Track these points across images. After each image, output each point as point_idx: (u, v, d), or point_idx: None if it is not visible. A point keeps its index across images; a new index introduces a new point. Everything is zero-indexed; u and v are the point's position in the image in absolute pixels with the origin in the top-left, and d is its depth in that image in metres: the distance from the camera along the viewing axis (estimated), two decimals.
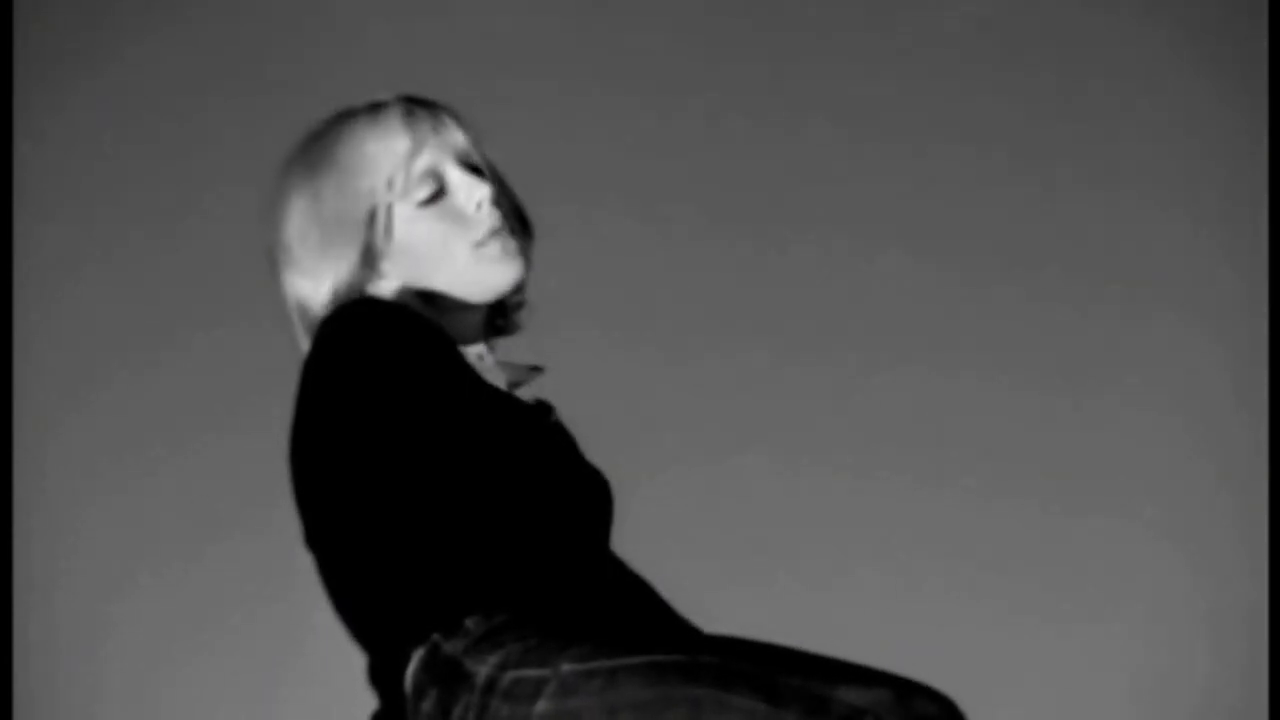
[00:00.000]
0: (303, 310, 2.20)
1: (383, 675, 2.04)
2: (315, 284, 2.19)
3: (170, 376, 3.85)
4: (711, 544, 3.84)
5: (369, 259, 2.19)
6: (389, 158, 2.19)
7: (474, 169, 2.21)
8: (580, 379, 2.41)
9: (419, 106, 2.22)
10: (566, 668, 1.92)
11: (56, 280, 3.84)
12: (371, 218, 2.19)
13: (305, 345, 2.18)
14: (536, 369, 2.27)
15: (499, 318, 2.29)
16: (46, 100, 3.84)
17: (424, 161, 2.20)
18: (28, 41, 3.75)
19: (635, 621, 2.06)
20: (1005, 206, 4.05)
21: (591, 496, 2.18)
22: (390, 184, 2.19)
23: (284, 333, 2.20)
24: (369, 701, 2.08)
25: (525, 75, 3.97)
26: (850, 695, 1.84)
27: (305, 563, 2.13)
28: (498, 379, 2.21)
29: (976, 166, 4.06)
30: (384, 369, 2.05)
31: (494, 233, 2.19)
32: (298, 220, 2.20)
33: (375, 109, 2.22)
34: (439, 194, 2.20)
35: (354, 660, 2.09)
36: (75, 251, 3.86)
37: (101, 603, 3.76)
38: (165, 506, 3.80)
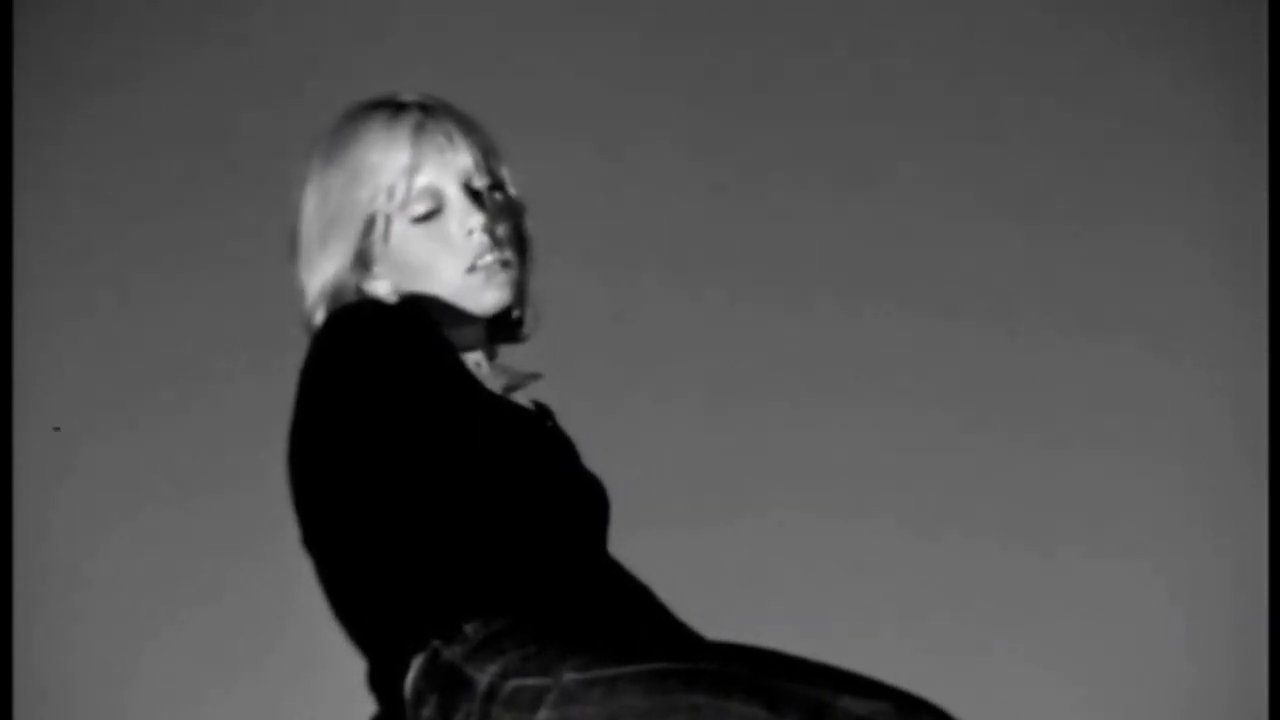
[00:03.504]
0: (301, 301, 2.22)
1: (382, 681, 2.04)
2: (309, 277, 2.22)
3: (180, 399, 3.85)
4: (711, 549, 3.84)
5: (362, 262, 2.21)
6: (391, 169, 2.20)
7: (474, 194, 2.22)
8: (580, 385, 2.41)
9: (433, 119, 2.22)
10: (567, 676, 1.93)
11: (61, 305, 3.83)
12: (370, 224, 2.20)
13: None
14: (534, 375, 2.27)
15: (500, 329, 2.29)
16: (49, 126, 3.84)
17: (424, 178, 2.21)
18: (28, 57, 3.75)
19: (635, 627, 2.06)
20: (995, 244, 4.05)
21: (588, 502, 2.18)
22: (391, 193, 2.20)
23: (295, 350, 2.20)
24: (368, 705, 2.08)
25: (547, 111, 3.99)
26: (851, 705, 1.85)
27: (307, 572, 2.13)
28: (495, 384, 2.22)
29: (962, 203, 4.06)
30: (382, 373, 2.06)
31: (482, 261, 2.19)
32: (308, 211, 2.23)
33: (395, 111, 2.22)
34: (435, 213, 2.21)
35: (355, 664, 2.09)
36: (78, 273, 3.85)
37: (106, 612, 3.76)
38: (172, 519, 3.80)
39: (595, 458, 2.25)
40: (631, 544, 2.21)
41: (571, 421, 2.29)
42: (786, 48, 4.09)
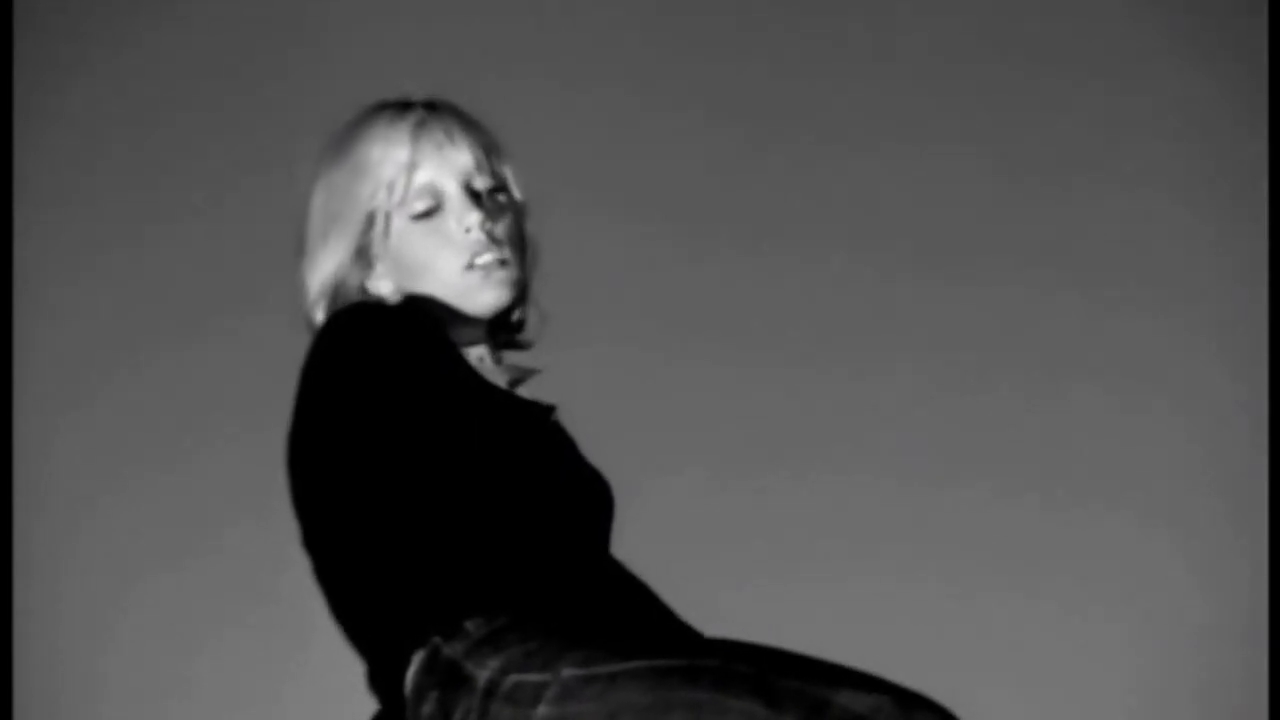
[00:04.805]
0: (302, 298, 2.23)
1: (382, 678, 2.05)
2: (311, 274, 2.23)
3: (171, 379, 3.85)
4: (711, 546, 3.84)
5: (363, 259, 2.22)
6: (391, 165, 2.21)
7: (474, 193, 2.22)
8: (582, 381, 2.41)
9: (435, 117, 2.23)
10: (567, 672, 1.93)
11: (56, 282, 3.84)
12: (370, 220, 2.21)
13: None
14: (534, 369, 2.28)
15: (501, 330, 2.29)
16: (46, 99, 3.84)
17: (423, 175, 2.21)
18: (27, 39, 3.75)
19: (635, 624, 2.06)
20: (1001, 207, 4.05)
21: (591, 498, 2.18)
22: (391, 190, 2.20)
23: (286, 334, 2.21)
24: (368, 704, 2.08)
25: (547, 85, 3.99)
26: (850, 700, 1.84)
27: (305, 566, 2.13)
28: (498, 380, 2.22)
29: (972, 166, 4.06)
30: (383, 371, 2.06)
31: (479, 259, 2.20)
32: (314, 209, 2.24)
33: (400, 110, 2.24)
34: (434, 210, 2.21)
35: (354, 663, 2.09)
36: (75, 254, 3.85)
37: (104, 606, 3.76)
38: (167, 509, 3.80)
39: (598, 454, 2.25)
40: (634, 539, 2.21)
41: (575, 417, 2.29)
42: (793, 15, 4.09)
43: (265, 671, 3.71)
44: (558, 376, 2.30)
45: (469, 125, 2.25)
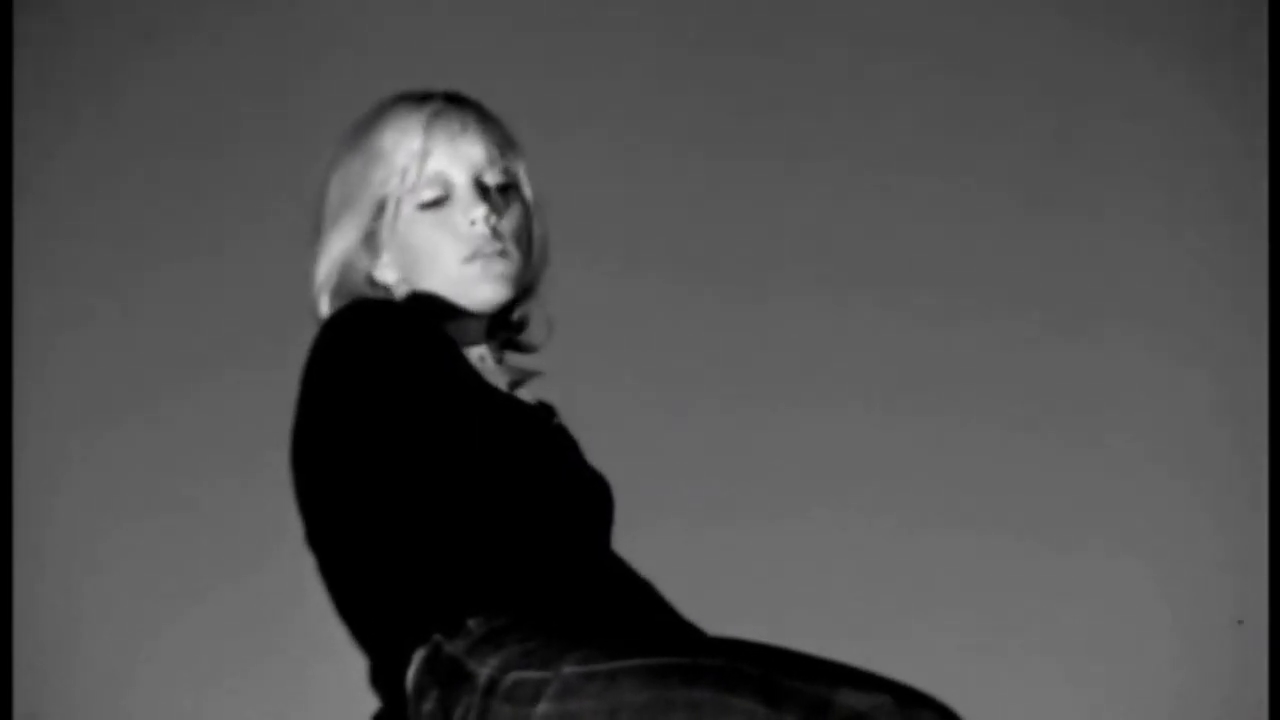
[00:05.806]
0: (309, 283, 2.24)
1: (384, 676, 2.05)
2: (321, 257, 2.24)
3: (182, 400, 3.85)
4: (714, 545, 3.84)
5: (370, 245, 2.23)
6: (403, 153, 2.21)
7: (482, 186, 2.23)
8: (583, 382, 2.42)
9: (452, 108, 2.24)
10: (568, 670, 1.93)
11: (61, 309, 3.84)
12: (381, 206, 2.22)
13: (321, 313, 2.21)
14: (535, 371, 2.28)
15: (502, 329, 2.30)
16: (50, 124, 3.85)
17: (434, 164, 2.22)
18: (29, 60, 3.76)
19: (637, 623, 2.06)
20: (990, 237, 4.06)
21: (592, 498, 2.19)
22: (403, 177, 2.21)
23: (294, 352, 2.20)
24: (370, 702, 2.08)
25: (550, 88, 4.00)
26: (851, 699, 1.84)
27: (306, 566, 2.13)
28: (499, 381, 2.23)
29: (960, 196, 4.07)
30: (385, 370, 2.06)
31: (481, 252, 2.20)
32: (330, 195, 2.25)
33: (418, 100, 2.24)
34: (443, 200, 2.22)
35: (356, 661, 2.10)
36: (80, 278, 3.86)
37: (107, 609, 3.77)
38: (173, 516, 3.80)
39: (599, 455, 2.25)
40: (635, 540, 2.22)
41: (576, 419, 2.29)
42: (787, 44, 4.10)
43: (266, 669, 3.71)
44: (560, 379, 2.30)
45: (485, 120, 2.25)
